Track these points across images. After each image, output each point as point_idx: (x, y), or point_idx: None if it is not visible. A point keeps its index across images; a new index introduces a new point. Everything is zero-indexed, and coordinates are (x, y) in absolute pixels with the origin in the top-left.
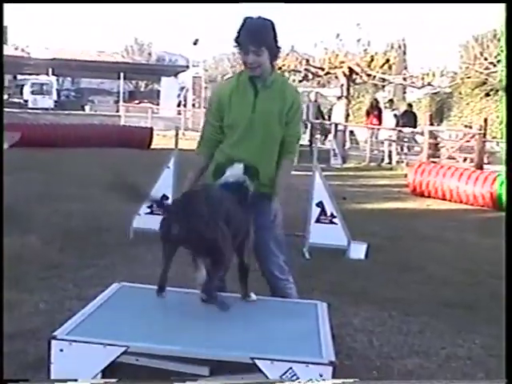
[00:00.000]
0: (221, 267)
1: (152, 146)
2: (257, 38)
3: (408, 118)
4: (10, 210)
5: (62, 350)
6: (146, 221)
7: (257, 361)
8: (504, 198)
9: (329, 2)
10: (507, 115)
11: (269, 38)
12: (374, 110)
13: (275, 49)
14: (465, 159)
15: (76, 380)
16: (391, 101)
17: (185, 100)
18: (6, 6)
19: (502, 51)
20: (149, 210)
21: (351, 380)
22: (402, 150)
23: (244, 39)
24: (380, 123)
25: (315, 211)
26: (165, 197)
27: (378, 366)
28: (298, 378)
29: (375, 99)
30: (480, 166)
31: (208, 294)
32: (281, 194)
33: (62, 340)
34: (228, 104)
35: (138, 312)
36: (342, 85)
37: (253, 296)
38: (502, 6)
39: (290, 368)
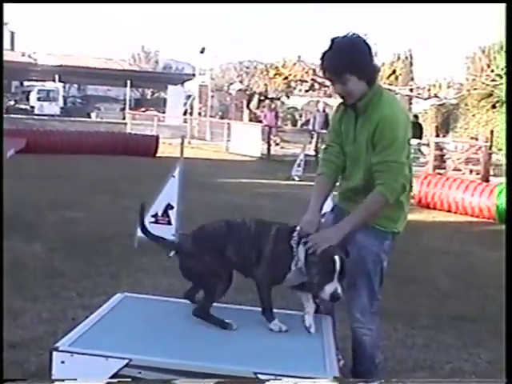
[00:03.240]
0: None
1: (158, 154)
2: (335, 66)
3: (414, 129)
4: (16, 217)
5: (63, 362)
6: (151, 230)
7: (260, 376)
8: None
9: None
10: (507, 125)
11: (353, 62)
12: None
13: (367, 69)
14: (471, 171)
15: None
16: None
17: (191, 108)
18: (13, 12)
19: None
20: (153, 219)
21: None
22: None
23: (324, 69)
24: None
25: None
26: (169, 206)
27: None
28: None
29: None
30: (486, 178)
31: (201, 317)
32: (358, 226)
33: (64, 352)
34: (339, 131)
35: (141, 324)
36: None
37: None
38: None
39: None
